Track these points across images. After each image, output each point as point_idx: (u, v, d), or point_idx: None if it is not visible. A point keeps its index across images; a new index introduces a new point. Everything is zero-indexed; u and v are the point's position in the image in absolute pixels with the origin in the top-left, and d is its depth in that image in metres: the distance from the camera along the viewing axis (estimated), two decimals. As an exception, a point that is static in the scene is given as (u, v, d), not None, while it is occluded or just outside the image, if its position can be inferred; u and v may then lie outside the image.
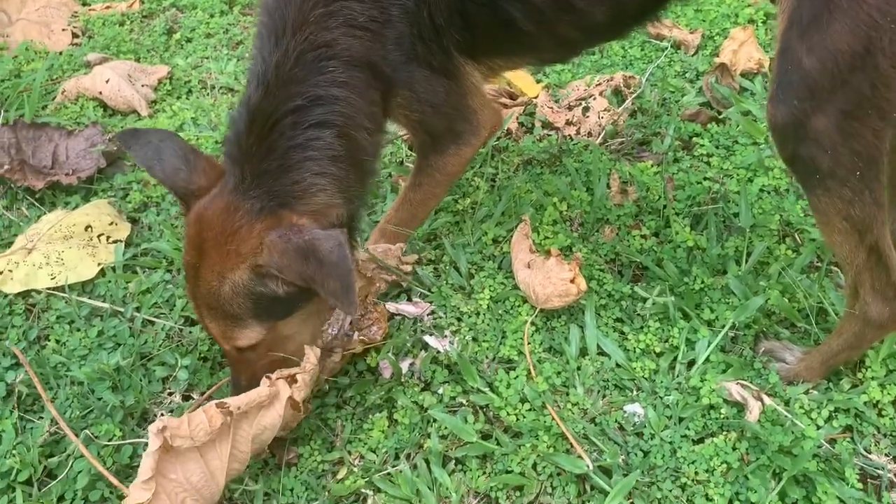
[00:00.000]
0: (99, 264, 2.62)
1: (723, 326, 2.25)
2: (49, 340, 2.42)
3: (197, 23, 3.91)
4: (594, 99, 3.14)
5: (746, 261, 2.42)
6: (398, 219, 2.39)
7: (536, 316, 2.33)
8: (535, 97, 3.22)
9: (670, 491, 1.94)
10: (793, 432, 1.99)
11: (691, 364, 2.20)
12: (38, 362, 2.32)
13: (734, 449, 2.00)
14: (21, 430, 2.18)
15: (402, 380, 2.22)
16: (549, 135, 3.07)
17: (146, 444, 2.09)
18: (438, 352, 2.26)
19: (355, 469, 2.06)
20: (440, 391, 2.19)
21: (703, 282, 2.36)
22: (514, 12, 1.97)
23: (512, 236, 2.51)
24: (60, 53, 3.77)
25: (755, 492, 1.90)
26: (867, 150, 1.66)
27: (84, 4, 4.21)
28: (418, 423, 2.12)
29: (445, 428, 2.09)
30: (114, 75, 3.40)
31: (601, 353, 2.25)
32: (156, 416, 2.22)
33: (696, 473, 1.97)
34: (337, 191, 1.91)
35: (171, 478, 1.83)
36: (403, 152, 3.02)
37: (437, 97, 2.06)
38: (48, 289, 2.56)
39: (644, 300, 2.35)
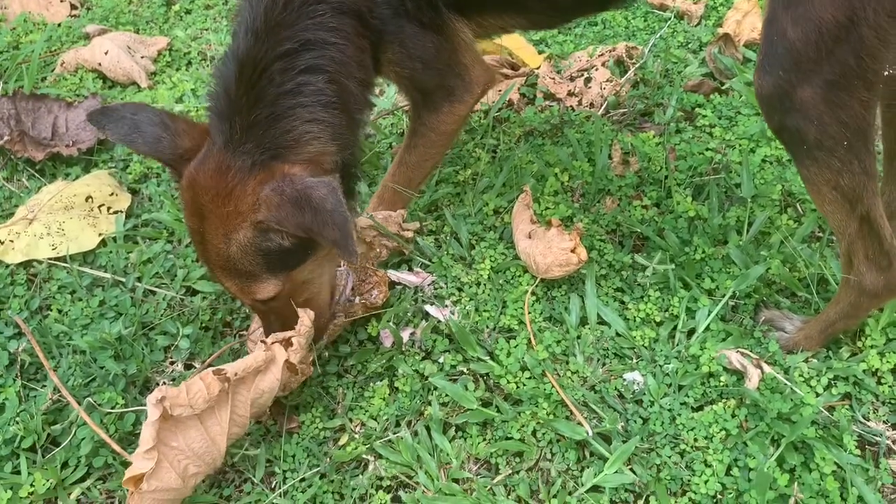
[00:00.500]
0: (100, 235, 2.63)
1: (723, 295, 2.25)
2: (51, 310, 2.43)
3: (196, -6, 3.89)
4: (596, 70, 3.12)
5: (748, 231, 2.42)
6: (396, 182, 2.38)
7: (537, 286, 2.33)
8: (537, 68, 3.20)
9: (669, 457, 1.96)
10: (792, 400, 2.00)
11: (691, 333, 2.21)
12: (41, 331, 2.33)
13: (733, 416, 2.01)
14: (24, 398, 2.20)
15: (403, 349, 2.23)
16: (550, 106, 3.06)
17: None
18: (439, 321, 2.27)
19: (356, 436, 2.07)
20: (441, 360, 2.19)
21: (703, 251, 2.35)
22: None
23: (513, 207, 2.50)
24: (59, 25, 3.74)
25: (754, 458, 1.92)
26: (854, 121, 1.65)
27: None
28: (419, 391, 2.14)
29: (446, 395, 2.10)
30: (113, 47, 3.38)
31: (601, 322, 2.25)
32: (158, 384, 2.23)
33: (696, 440, 1.98)
34: (330, 138, 1.89)
35: (173, 446, 1.85)
36: (404, 122, 3.00)
37: (427, 52, 2.05)
38: (49, 259, 2.57)
39: (644, 269, 2.35)
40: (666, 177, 2.62)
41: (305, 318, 2.01)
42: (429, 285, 2.38)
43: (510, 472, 1.98)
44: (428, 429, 2.05)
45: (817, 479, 1.88)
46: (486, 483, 1.95)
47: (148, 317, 2.38)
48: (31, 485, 1.99)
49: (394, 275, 2.36)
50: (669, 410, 2.04)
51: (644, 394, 2.08)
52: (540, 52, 3.29)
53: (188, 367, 2.28)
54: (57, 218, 2.65)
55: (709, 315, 2.21)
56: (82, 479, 2.04)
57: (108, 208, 2.72)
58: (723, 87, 3.04)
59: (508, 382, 2.11)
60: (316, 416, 2.12)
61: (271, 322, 2.05)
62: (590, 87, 3.07)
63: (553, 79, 3.12)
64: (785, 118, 1.71)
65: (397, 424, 2.09)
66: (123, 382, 2.18)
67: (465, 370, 2.17)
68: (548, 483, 1.95)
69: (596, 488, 1.92)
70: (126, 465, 2.03)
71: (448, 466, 1.99)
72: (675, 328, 2.22)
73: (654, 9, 3.46)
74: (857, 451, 1.94)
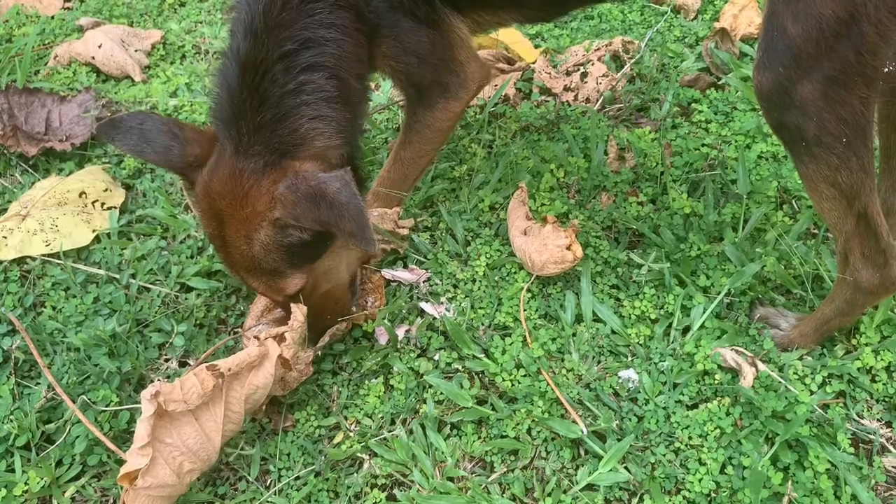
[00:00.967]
0: (94, 231, 2.61)
1: (718, 293, 2.25)
2: (45, 307, 2.42)
3: (190, -14, 3.86)
4: (592, 64, 3.11)
5: (743, 227, 2.42)
6: (391, 179, 2.38)
7: (532, 283, 2.33)
8: (533, 63, 3.18)
9: (664, 455, 1.96)
10: (786, 398, 2.00)
11: (686, 330, 2.21)
12: (35, 329, 2.32)
13: (728, 414, 2.01)
14: (18, 395, 2.19)
15: (399, 346, 2.22)
16: (546, 101, 3.05)
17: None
18: (434, 318, 2.26)
19: (351, 434, 2.07)
20: (436, 357, 2.19)
21: (699, 248, 2.35)
22: None
23: (508, 203, 2.49)
24: (52, 18, 3.72)
25: (748, 456, 1.92)
26: (853, 118, 1.65)
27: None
28: (414, 389, 2.13)
29: (441, 393, 2.10)
30: (106, 40, 3.35)
31: (596, 319, 2.25)
32: (153, 381, 2.22)
33: (690, 438, 1.98)
34: (335, 132, 1.92)
35: (167, 442, 1.84)
36: (400, 118, 2.99)
37: (422, 48, 2.06)
38: (43, 255, 2.55)
39: (640, 267, 2.35)
40: (662, 173, 2.62)
41: (298, 313, 2.02)
42: (424, 282, 2.37)
43: (505, 470, 1.98)
44: (423, 427, 2.05)
45: (811, 478, 1.88)
46: (481, 481, 1.95)
47: (142, 314, 2.37)
48: (26, 483, 1.99)
49: (389, 273, 2.36)
50: (664, 408, 2.04)
51: (639, 392, 2.08)
52: (536, 47, 3.28)
53: (183, 364, 2.28)
54: (50, 214, 2.64)
55: (704, 312, 2.21)
56: (77, 477, 2.04)
57: (102, 204, 2.71)
58: (719, 83, 3.04)
59: (503, 380, 2.11)
60: (311, 415, 2.12)
61: (310, 319, 2.08)
62: (586, 82, 3.06)
63: (549, 74, 3.11)
64: (784, 115, 1.70)
65: (392, 422, 2.09)
66: (118, 380, 2.18)
67: (460, 368, 2.17)
68: (542, 481, 1.95)
69: (590, 487, 1.93)
70: (121, 463, 2.03)
71: (443, 465, 2.00)
72: (670, 326, 2.22)
73: (651, 3, 3.44)
74: (851, 450, 1.94)
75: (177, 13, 3.75)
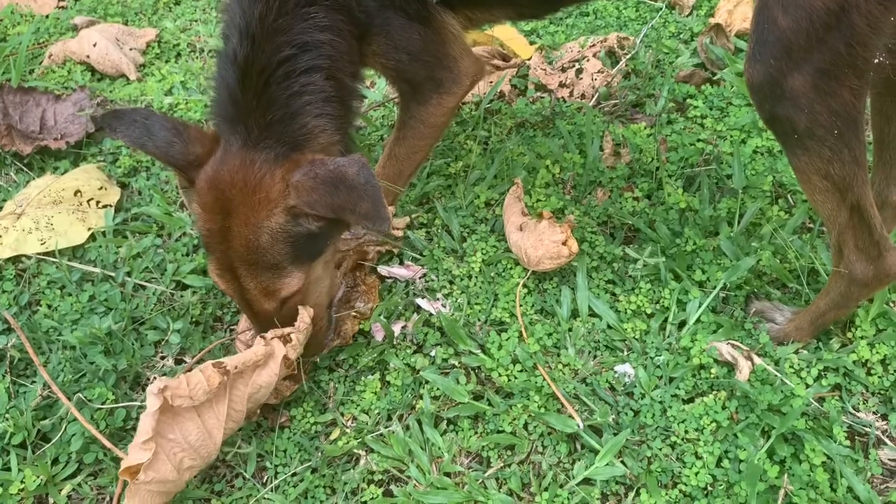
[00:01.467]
0: (89, 229, 2.61)
1: (714, 287, 2.25)
2: (40, 305, 2.41)
3: (185, -15, 3.85)
4: (587, 60, 3.11)
5: (738, 222, 2.42)
6: (385, 176, 2.38)
7: (528, 278, 2.33)
8: (528, 59, 3.18)
9: (660, 449, 1.96)
10: (782, 391, 2.00)
11: (682, 325, 2.21)
12: (30, 327, 2.32)
13: (724, 408, 2.01)
14: (14, 394, 2.19)
15: (395, 342, 2.22)
16: (542, 97, 3.05)
17: (139, 408, 2.12)
18: (431, 315, 2.26)
19: (348, 430, 2.07)
20: (432, 353, 2.19)
21: (694, 243, 2.35)
22: None
23: (504, 199, 2.49)
24: (46, 17, 3.71)
25: (744, 450, 1.92)
26: (845, 109, 1.65)
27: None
28: (410, 385, 2.13)
29: (437, 389, 2.10)
30: (101, 39, 3.35)
31: (592, 314, 2.25)
32: (149, 379, 2.22)
33: (686, 432, 1.98)
34: (335, 129, 1.97)
35: (169, 437, 1.84)
36: (395, 115, 2.99)
37: (414, 44, 2.06)
38: (38, 254, 2.55)
39: (635, 261, 2.35)
40: (657, 168, 2.62)
41: (305, 314, 2.02)
42: (420, 278, 2.37)
43: (502, 465, 1.98)
44: (419, 422, 2.05)
45: (807, 471, 1.89)
46: (477, 476, 1.95)
47: (138, 312, 2.36)
48: (22, 481, 1.98)
49: (385, 269, 2.36)
50: (660, 403, 2.04)
51: (635, 386, 2.08)
52: (531, 43, 3.28)
53: (178, 361, 2.27)
54: (45, 212, 2.64)
55: (700, 307, 2.21)
56: (73, 476, 2.03)
57: (98, 202, 2.70)
58: (714, 78, 3.04)
59: (500, 375, 2.11)
60: (307, 411, 2.11)
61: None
62: (581, 79, 3.06)
63: (544, 70, 3.11)
64: (776, 107, 1.70)
65: (389, 418, 2.09)
66: (114, 378, 2.17)
67: (456, 363, 2.17)
68: (539, 476, 1.95)
69: (587, 481, 1.93)
70: (117, 460, 2.03)
71: (440, 460, 2.00)
72: (665, 320, 2.22)
73: (646, -1, 3.45)
74: (847, 442, 1.95)
75: (171, 11, 3.74)
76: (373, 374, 2.18)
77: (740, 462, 1.92)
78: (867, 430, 2.00)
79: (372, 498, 1.93)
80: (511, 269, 2.37)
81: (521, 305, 2.26)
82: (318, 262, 2.02)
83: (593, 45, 3.18)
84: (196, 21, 3.63)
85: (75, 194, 2.70)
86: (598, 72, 3.06)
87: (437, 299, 2.31)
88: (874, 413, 2.04)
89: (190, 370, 2.00)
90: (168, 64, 3.40)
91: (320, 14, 1.89)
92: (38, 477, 1.99)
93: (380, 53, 2.07)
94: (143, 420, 1.80)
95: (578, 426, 1.98)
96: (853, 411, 2.04)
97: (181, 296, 2.41)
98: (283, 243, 1.89)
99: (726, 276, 2.25)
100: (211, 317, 2.36)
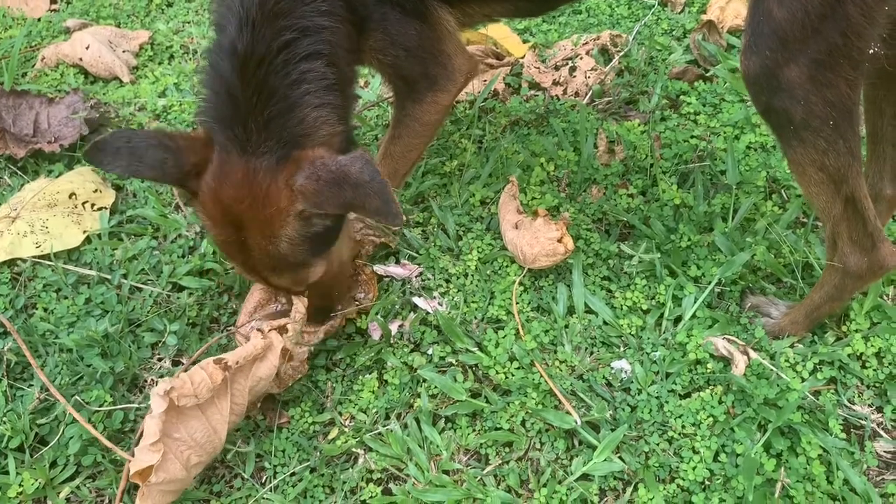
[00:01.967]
0: (84, 232, 2.61)
1: (709, 283, 2.26)
2: (36, 308, 2.41)
3: (177, -14, 3.85)
4: (581, 58, 3.12)
5: (733, 217, 2.43)
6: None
7: (524, 276, 2.34)
8: (522, 57, 3.19)
9: (657, 444, 1.97)
10: (778, 385, 2.01)
11: (678, 320, 2.22)
12: (26, 330, 2.31)
13: (720, 402, 2.02)
14: (11, 397, 2.18)
15: (392, 341, 2.23)
16: (535, 95, 3.05)
17: (137, 410, 2.12)
18: (427, 313, 2.27)
19: (346, 429, 2.08)
20: (429, 352, 2.20)
21: (689, 239, 2.36)
22: None
23: (499, 197, 2.50)
24: (39, 20, 3.70)
25: (741, 444, 1.93)
26: (840, 100, 1.65)
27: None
28: (408, 384, 2.14)
29: (435, 387, 2.11)
30: (94, 41, 3.34)
31: (588, 310, 2.26)
32: (146, 381, 2.22)
33: (683, 427, 1.99)
34: (337, 119, 1.92)
35: (176, 437, 1.85)
36: (389, 114, 2.99)
37: (410, 40, 2.06)
38: (33, 257, 2.54)
39: (631, 258, 2.36)
40: (651, 165, 2.63)
41: (299, 304, 2.05)
42: (416, 277, 2.38)
43: (500, 462, 1.98)
44: (417, 421, 2.06)
45: (804, 464, 1.90)
46: (476, 474, 1.96)
47: (134, 314, 2.36)
48: (20, 485, 1.98)
49: (381, 268, 2.36)
50: (657, 398, 2.05)
51: (632, 382, 2.09)
52: (524, 42, 3.29)
53: (176, 363, 2.27)
54: (40, 215, 2.63)
55: (695, 302, 2.22)
56: (71, 478, 2.03)
57: (93, 205, 2.70)
58: (707, 74, 3.05)
59: (497, 373, 2.12)
60: (305, 411, 2.12)
61: (311, 303, 2.13)
62: (574, 76, 3.07)
63: (538, 68, 3.11)
64: (772, 99, 1.71)
65: (387, 417, 2.09)
66: (111, 380, 2.17)
67: (453, 361, 2.17)
68: (537, 472, 1.96)
69: (585, 476, 1.93)
70: (115, 462, 2.03)
71: (438, 458, 2.00)
72: (661, 316, 2.23)
73: (638, -4, 3.45)
74: (843, 435, 1.96)
75: (164, 13, 3.74)
76: (370, 373, 2.18)
77: (737, 456, 1.92)
78: (863, 422, 2.01)
79: (371, 497, 1.94)
80: (507, 266, 2.37)
81: (517, 303, 2.27)
82: (339, 240, 2.05)
83: (586, 43, 3.18)
84: (189, 23, 3.63)
85: (70, 197, 2.70)
86: (592, 69, 3.07)
87: (434, 298, 2.32)
88: (869, 406, 2.06)
89: (188, 369, 2.00)
90: (161, 66, 3.40)
91: None
92: (36, 480, 1.99)
93: (377, 49, 2.05)
94: (150, 422, 1.81)
95: (576, 422, 1.99)
96: (849, 404, 2.05)
97: (177, 297, 2.41)
98: (301, 244, 1.89)
99: (721, 272, 2.26)
100: (207, 318, 2.36)
